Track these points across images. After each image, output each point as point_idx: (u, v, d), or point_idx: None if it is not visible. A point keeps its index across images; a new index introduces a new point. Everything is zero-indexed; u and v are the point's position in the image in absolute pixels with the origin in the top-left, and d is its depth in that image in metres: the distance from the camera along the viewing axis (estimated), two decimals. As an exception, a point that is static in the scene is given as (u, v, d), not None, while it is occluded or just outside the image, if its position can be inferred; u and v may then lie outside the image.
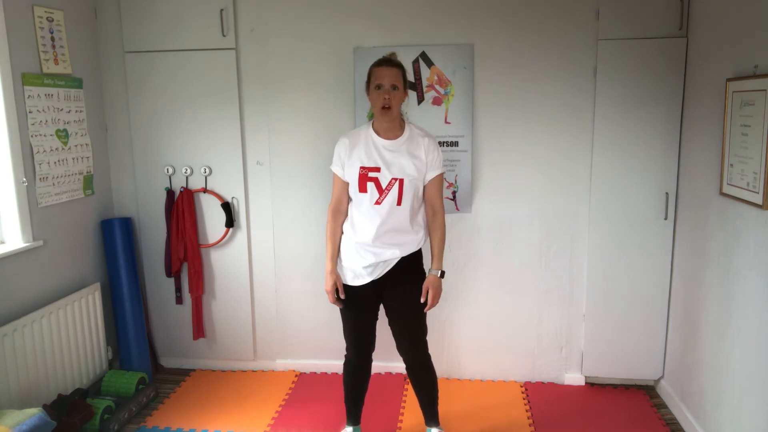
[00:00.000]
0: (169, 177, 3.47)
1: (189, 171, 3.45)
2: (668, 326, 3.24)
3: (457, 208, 3.31)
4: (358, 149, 2.47)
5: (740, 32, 2.47)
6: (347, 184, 2.52)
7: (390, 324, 2.62)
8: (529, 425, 3.00)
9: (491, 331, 3.44)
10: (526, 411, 3.14)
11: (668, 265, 3.19)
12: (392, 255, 2.47)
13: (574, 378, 3.43)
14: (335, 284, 2.52)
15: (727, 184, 2.51)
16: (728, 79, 2.49)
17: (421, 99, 3.23)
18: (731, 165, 2.47)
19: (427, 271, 2.58)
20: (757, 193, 2.25)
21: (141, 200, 3.53)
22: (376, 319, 2.63)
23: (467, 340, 3.45)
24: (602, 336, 3.32)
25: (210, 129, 3.40)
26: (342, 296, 2.54)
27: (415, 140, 2.47)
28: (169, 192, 3.47)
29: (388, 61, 2.45)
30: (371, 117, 3.27)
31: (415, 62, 3.20)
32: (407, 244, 2.50)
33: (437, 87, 3.21)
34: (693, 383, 2.90)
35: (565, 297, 3.36)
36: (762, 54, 2.27)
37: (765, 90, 2.20)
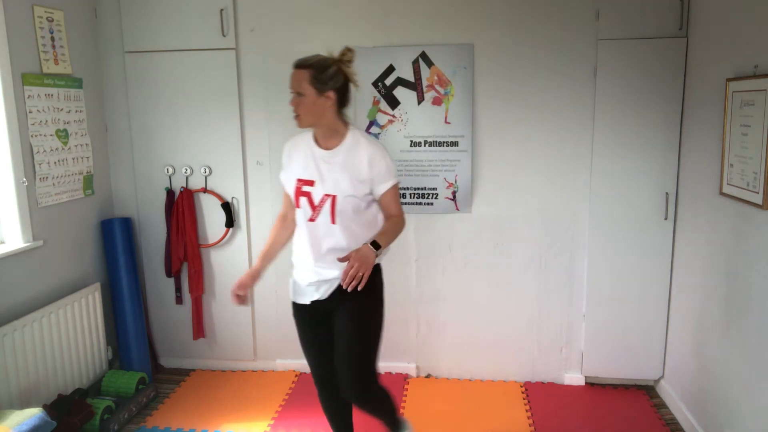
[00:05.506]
0: (169, 177, 3.47)
1: (189, 171, 3.45)
2: (668, 326, 3.24)
3: (457, 208, 3.31)
4: (298, 158, 2.20)
5: (740, 32, 2.47)
6: None
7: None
8: (529, 425, 3.00)
9: (491, 331, 3.44)
10: (526, 411, 3.14)
11: (668, 265, 3.19)
12: (334, 275, 2.15)
13: (574, 378, 3.43)
14: (242, 282, 2.33)
15: (727, 184, 2.51)
16: (728, 79, 2.49)
17: (421, 99, 3.23)
18: (731, 165, 2.47)
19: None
20: (757, 193, 2.25)
21: (141, 200, 3.53)
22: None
23: (467, 340, 3.44)
24: (602, 336, 3.32)
25: (210, 129, 3.40)
26: (243, 295, 2.38)
27: (355, 152, 2.11)
28: (169, 192, 3.47)
29: (295, 63, 2.11)
30: (372, 116, 3.29)
31: (415, 62, 3.20)
32: None
33: (437, 87, 3.21)
34: (693, 383, 2.90)
35: (565, 297, 3.36)
36: (762, 54, 2.27)
37: (765, 90, 2.20)
